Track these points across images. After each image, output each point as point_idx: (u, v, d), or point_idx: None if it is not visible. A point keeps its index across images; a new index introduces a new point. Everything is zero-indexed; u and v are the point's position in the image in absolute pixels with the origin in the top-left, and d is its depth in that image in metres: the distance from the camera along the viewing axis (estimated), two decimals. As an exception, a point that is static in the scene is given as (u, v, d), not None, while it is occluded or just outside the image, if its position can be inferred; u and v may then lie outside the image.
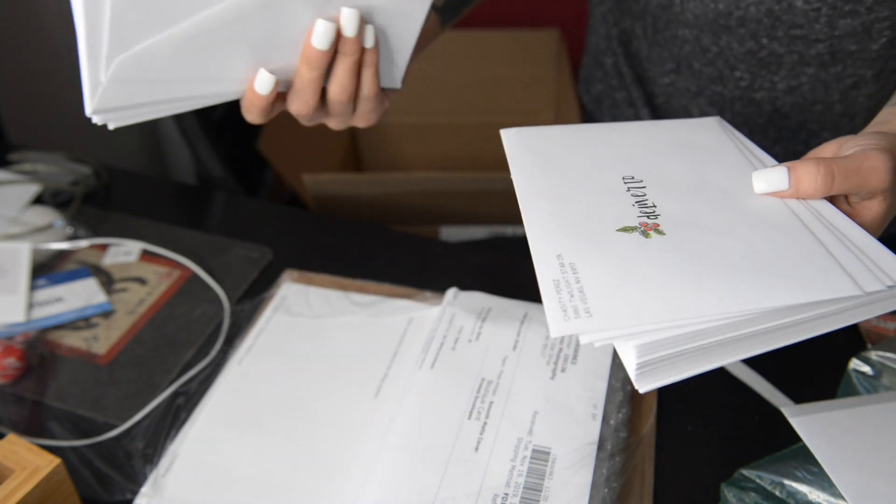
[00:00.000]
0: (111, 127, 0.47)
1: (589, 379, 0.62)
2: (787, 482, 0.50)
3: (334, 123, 0.56)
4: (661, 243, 0.42)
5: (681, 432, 0.62)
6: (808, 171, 0.44)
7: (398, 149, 1.55)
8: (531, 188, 0.47)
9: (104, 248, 0.82)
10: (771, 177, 0.45)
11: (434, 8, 0.62)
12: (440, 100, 1.51)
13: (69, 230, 0.83)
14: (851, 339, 0.69)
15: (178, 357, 0.69)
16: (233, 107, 0.63)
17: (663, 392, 0.65)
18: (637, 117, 0.85)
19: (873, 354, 0.57)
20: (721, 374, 0.67)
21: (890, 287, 0.39)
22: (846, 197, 0.46)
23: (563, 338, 0.66)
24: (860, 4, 0.62)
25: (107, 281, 0.78)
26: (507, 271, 0.77)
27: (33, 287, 0.76)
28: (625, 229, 0.43)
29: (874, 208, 0.44)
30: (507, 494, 0.54)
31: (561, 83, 1.52)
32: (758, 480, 0.51)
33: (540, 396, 0.61)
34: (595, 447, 0.57)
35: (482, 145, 1.41)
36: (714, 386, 0.66)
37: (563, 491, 0.54)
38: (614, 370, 0.63)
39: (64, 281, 0.77)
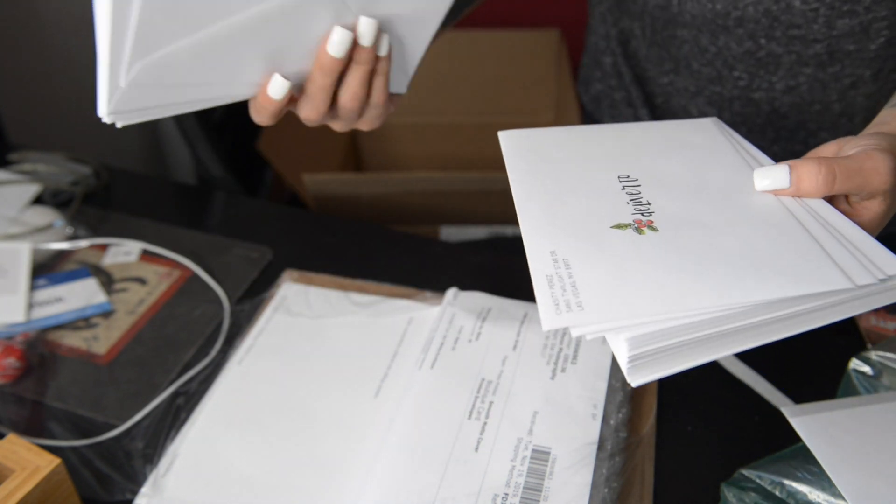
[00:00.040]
0: (119, 125, 0.47)
1: (589, 379, 0.62)
2: (787, 482, 0.50)
3: (339, 126, 0.56)
4: (655, 239, 0.42)
5: (681, 432, 0.62)
6: (809, 169, 0.44)
7: (398, 149, 1.55)
8: (527, 188, 0.48)
9: (104, 248, 0.82)
10: (772, 174, 0.45)
11: None
12: (440, 100, 1.51)
13: (69, 230, 0.83)
14: (851, 339, 0.69)
15: (178, 357, 0.69)
16: (232, 107, 0.63)
17: (663, 392, 0.65)
18: (636, 117, 0.85)
19: (873, 354, 0.57)
20: (721, 374, 0.67)
21: (882, 280, 0.40)
22: (846, 196, 0.46)
23: (562, 338, 0.66)
24: (858, 4, 0.62)
25: (107, 281, 0.78)
26: (507, 271, 0.77)
27: (33, 287, 0.76)
28: (619, 226, 0.44)
29: (874, 208, 0.44)
30: (507, 494, 0.54)
31: (561, 83, 1.52)
32: (758, 480, 0.51)
33: (540, 396, 0.61)
34: (595, 447, 0.57)
35: (482, 145, 1.41)
36: (714, 386, 0.66)
37: (563, 491, 0.54)
38: (614, 370, 0.63)
39: (64, 281, 0.77)
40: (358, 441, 0.60)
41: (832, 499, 0.48)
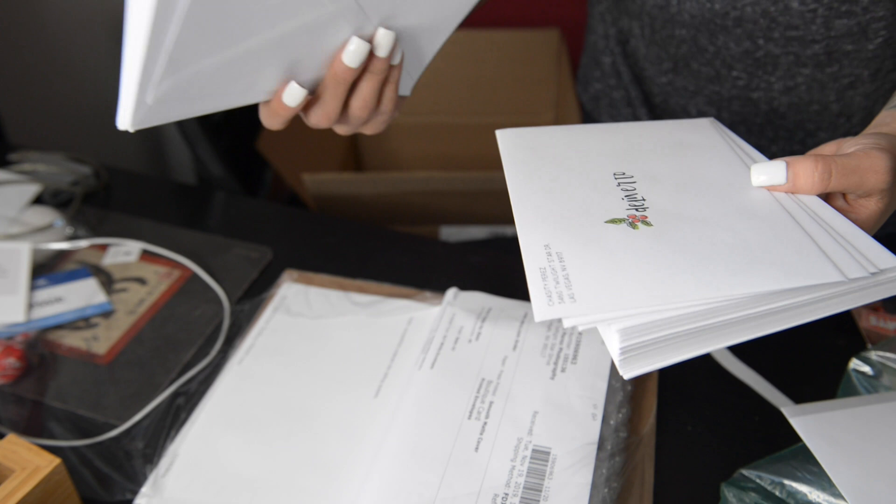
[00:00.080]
0: (132, 130, 0.47)
1: (589, 379, 0.62)
2: (787, 482, 0.50)
3: (343, 130, 0.56)
4: (648, 234, 0.43)
5: (681, 432, 0.62)
6: (806, 166, 0.44)
7: (398, 149, 1.55)
8: (522, 183, 0.48)
9: (104, 248, 0.82)
10: (769, 170, 0.45)
11: None
12: (440, 100, 1.51)
13: (69, 230, 0.83)
14: (851, 339, 0.69)
15: (178, 357, 0.69)
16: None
17: (663, 392, 0.65)
18: (635, 116, 0.85)
19: (873, 354, 0.57)
20: (721, 374, 0.67)
21: (874, 274, 0.40)
22: (843, 194, 0.46)
23: (562, 338, 0.66)
24: (856, 5, 0.62)
25: (107, 281, 0.78)
26: (507, 271, 0.77)
27: (33, 287, 0.76)
28: (613, 221, 0.44)
29: (871, 206, 0.45)
30: (507, 494, 0.54)
31: (561, 83, 1.52)
32: (758, 480, 0.51)
33: (540, 396, 0.61)
34: (595, 447, 0.57)
35: (482, 145, 1.41)
36: (714, 386, 0.66)
37: (563, 491, 0.54)
38: (614, 370, 0.63)
39: (64, 281, 0.77)
40: (358, 441, 0.60)
41: (832, 499, 0.48)
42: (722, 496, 0.53)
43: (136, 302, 0.75)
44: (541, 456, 0.56)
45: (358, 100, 0.52)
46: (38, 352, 0.69)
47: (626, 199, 0.46)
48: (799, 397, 0.64)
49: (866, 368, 0.57)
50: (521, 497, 0.54)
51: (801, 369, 0.67)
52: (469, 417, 0.59)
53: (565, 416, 0.59)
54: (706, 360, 0.68)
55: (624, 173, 0.49)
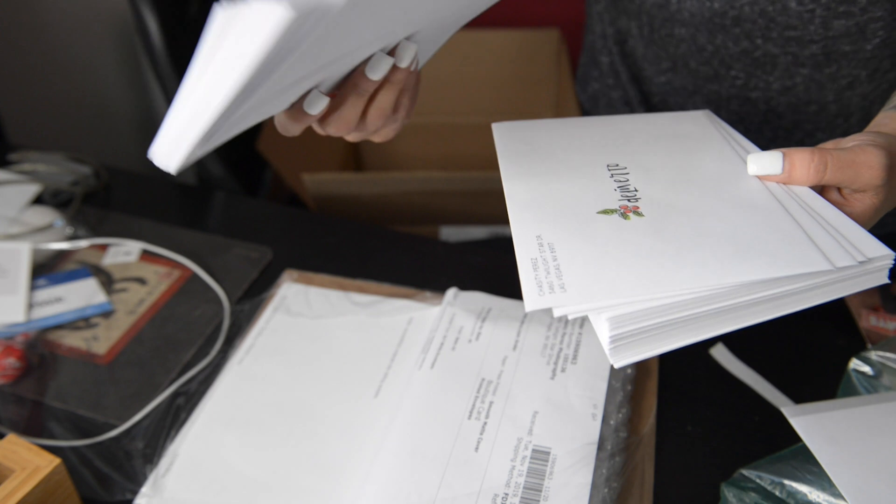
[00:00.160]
0: (175, 173, 0.46)
1: (589, 379, 0.62)
2: (787, 482, 0.50)
3: (355, 138, 0.56)
4: (640, 224, 0.43)
5: (681, 432, 0.62)
6: (802, 157, 0.45)
7: (398, 149, 1.55)
8: (516, 175, 0.49)
9: (104, 248, 0.82)
10: (766, 160, 0.46)
11: None
12: (440, 100, 1.51)
13: (69, 230, 0.83)
14: (851, 339, 0.69)
15: (178, 357, 0.69)
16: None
17: (663, 392, 0.65)
18: None
19: (873, 354, 0.57)
20: (721, 374, 0.67)
21: (861, 263, 0.40)
22: (839, 188, 0.46)
23: (562, 338, 0.66)
24: (854, 5, 0.62)
25: (107, 281, 0.78)
26: (507, 271, 0.77)
27: (33, 287, 0.76)
28: (605, 212, 0.44)
29: (865, 201, 0.45)
30: (507, 494, 0.54)
31: (561, 83, 1.52)
32: (758, 480, 0.51)
33: (540, 396, 0.61)
34: (595, 447, 0.57)
35: (482, 145, 1.41)
36: (714, 386, 0.66)
37: (563, 491, 0.54)
38: (614, 370, 0.63)
39: (64, 281, 0.77)
40: (358, 441, 0.60)
41: (832, 499, 0.48)
42: (722, 496, 0.53)
43: (136, 302, 0.75)
44: (541, 456, 0.56)
45: (376, 109, 0.52)
46: (38, 352, 0.69)
47: (618, 189, 0.47)
48: (799, 397, 0.64)
49: (866, 368, 0.57)
50: (521, 497, 0.54)
51: (801, 369, 0.67)
52: (469, 417, 0.59)
53: (565, 416, 0.59)
54: (706, 360, 0.68)
55: (617, 165, 0.49)
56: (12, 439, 0.53)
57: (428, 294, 0.73)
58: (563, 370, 0.63)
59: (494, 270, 0.78)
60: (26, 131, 1.23)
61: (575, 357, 0.64)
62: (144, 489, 0.57)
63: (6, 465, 0.51)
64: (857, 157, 0.44)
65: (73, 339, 0.71)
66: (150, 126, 1.59)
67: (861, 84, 0.70)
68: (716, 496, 0.54)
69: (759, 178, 0.47)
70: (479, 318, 0.68)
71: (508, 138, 0.53)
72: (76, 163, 0.93)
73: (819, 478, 0.49)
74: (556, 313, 0.38)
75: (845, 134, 0.48)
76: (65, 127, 1.38)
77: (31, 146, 1.00)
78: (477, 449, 0.57)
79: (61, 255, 0.81)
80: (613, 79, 0.86)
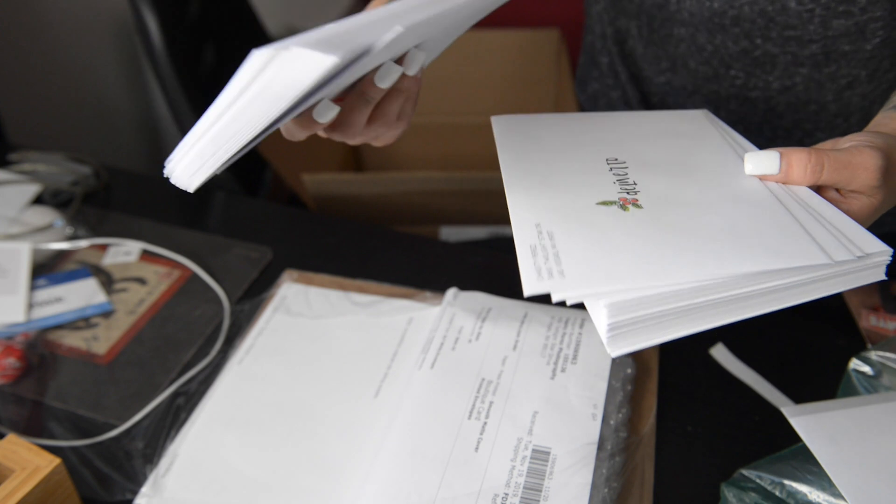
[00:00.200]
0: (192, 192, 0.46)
1: (589, 379, 0.62)
2: (787, 482, 0.50)
3: (357, 142, 0.56)
4: (639, 216, 0.43)
5: (681, 432, 0.62)
6: (800, 157, 0.45)
7: (398, 149, 1.55)
8: (515, 166, 0.49)
9: (104, 248, 0.82)
10: (762, 159, 0.46)
11: None
12: (440, 100, 1.51)
13: (69, 230, 0.83)
14: (851, 339, 0.69)
15: (178, 357, 0.69)
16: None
17: (663, 392, 0.65)
18: None
19: (873, 354, 0.57)
20: (721, 374, 0.67)
21: (859, 258, 0.40)
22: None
23: (562, 338, 0.66)
24: (854, 5, 0.62)
25: (107, 281, 0.78)
26: (507, 271, 0.77)
27: (33, 287, 0.76)
28: (604, 203, 0.45)
29: (862, 200, 0.46)
30: (507, 494, 0.54)
31: (560, 83, 1.52)
32: (758, 480, 0.51)
33: (540, 396, 0.61)
34: (595, 447, 0.57)
35: (482, 145, 1.41)
36: (714, 386, 0.66)
37: (563, 491, 0.54)
38: (614, 370, 0.63)
39: (64, 281, 0.77)
40: (358, 441, 0.60)
41: (832, 499, 0.48)
42: (722, 496, 0.53)
43: (136, 302, 0.75)
44: (541, 456, 0.56)
45: (382, 116, 0.52)
46: (38, 352, 0.69)
47: (617, 182, 0.47)
48: (799, 397, 0.64)
49: (866, 368, 0.57)
50: (521, 497, 0.54)
51: (801, 369, 0.67)
52: (469, 417, 0.59)
53: (565, 416, 0.59)
54: (706, 360, 0.68)
55: (616, 159, 0.50)
56: (12, 439, 0.53)
57: (428, 294, 0.73)
58: (563, 370, 0.63)
59: (494, 270, 0.78)
60: (26, 131, 1.23)
61: (575, 357, 0.64)
62: (144, 489, 0.57)
63: (6, 465, 0.51)
64: (853, 158, 0.44)
65: (73, 339, 0.71)
66: (150, 126, 1.59)
67: (861, 84, 0.70)
68: (716, 496, 0.54)
69: (756, 177, 0.47)
70: (479, 318, 0.68)
71: (508, 131, 0.54)
72: (76, 163, 0.93)
73: (819, 478, 0.49)
74: (555, 298, 0.38)
75: (845, 134, 0.48)
76: (65, 127, 1.38)
77: (31, 146, 1.00)
78: (477, 449, 0.57)
79: (61, 255, 0.81)
80: (613, 79, 0.86)
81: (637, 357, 0.66)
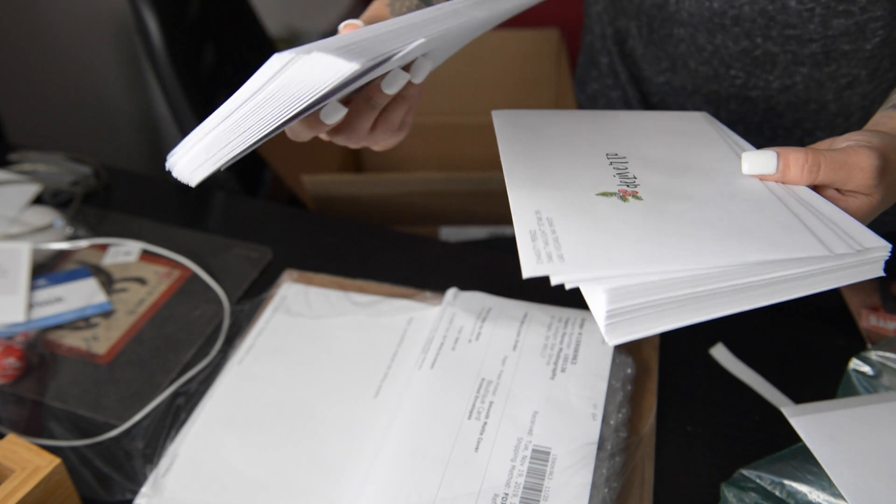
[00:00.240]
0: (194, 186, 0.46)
1: (589, 379, 0.62)
2: (787, 482, 0.50)
3: (357, 146, 0.56)
4: (639, 207, 0.44)
5: (681, 432, 0.62)
6: (797, 157, 0.45)
7: (398, 149, 1.55)
8: (515, 157, 0.49)
9: (104, 248, 0.82)
10: (760, 159, 0.46)
11: None
12: (440, 100, 1.51)
13: (69, 230, 0.83)
14: (851, 339, 0.69)
15: (178, 357, 0.69)
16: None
17: (663, 392, 0.65)
18: None
19: (873, 354, 0.57)
20: (721, 374, 0.67)
21: (859, 252, 0.40)
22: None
23: (562, 338, 0.66)
24: (854, 4, 0.62)
25: (107, 281, 0.78)
26: (507, 271, 0.77)
27: (33, 287, 0.76)
28: (604, 194, 0.45)
29: (861, 199, 0.46)
30: (507, 494, 0.54)
31: (560, 83, 1.52)
32: (758, 480, 0.51)
33: (540, 396, 0.61)
34: (595, 447, 0.57)
35: (482, 145, 1.41)
36: (714, 386, 0.66)
37: (563, 491, 0.54)
38: (614, 370, 0.63)
39: (64, 281, 0.77)
40: (358, 441, 0.60)
41: (832, 499, 0.48)
42: (722, 496, 0.53)
43: (136, 302, 0.75)
44: (541, 456, 0.56)
45: (385, 122, 0.52)
46: (38, 352, 0.69)
47: (617, 176, 0.47)
48: (799, 397, 0.64)
49: (866, 368, 0.57)
50: (521, 497, 0.54)
51: (801, 369, 0.67)
52: (469, 417, 0.59)
53: (565, 416, 0.59)
54: (706, 360, 0.68)
55: (616, 154, 0.50)
56: (12, 439, 0.53)
57: (428, 294, 0.73)
58: (563, 370, 0.63)
59: (494, 270, 0.78)
60: (26, 131, 1.23)
61: (575, 357, 0.64)
62: (144, 489, 0.57)
63: (6, 465, 0.51)
64: (849, 158, 0.44)
65: (73, 339, 0.71)
66: (150, 126, 1.60)
67: (861, 83, 0.70)
68: (716, 496, 0.54)
69: (754, 177, 0.47)
70: (479, 318, 0.68)
71: (509, 125, 0.54)
72: (76, 163, 0.93)
73: (819, 478, 0.49)
74: (554, 281, 0.38)
75: (845, 133, 0.48)
76: (65, 127, 1.38)
77: (31, 146, 1.00)
78: (477, 449, 0.57)
79: (61, 255, 0.81)
80: (612, 79, 0.86)
81: (637, 357, 0.66)
